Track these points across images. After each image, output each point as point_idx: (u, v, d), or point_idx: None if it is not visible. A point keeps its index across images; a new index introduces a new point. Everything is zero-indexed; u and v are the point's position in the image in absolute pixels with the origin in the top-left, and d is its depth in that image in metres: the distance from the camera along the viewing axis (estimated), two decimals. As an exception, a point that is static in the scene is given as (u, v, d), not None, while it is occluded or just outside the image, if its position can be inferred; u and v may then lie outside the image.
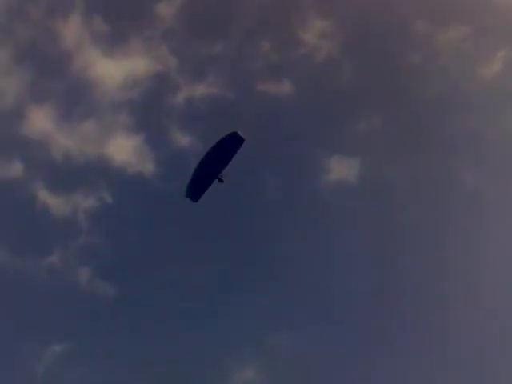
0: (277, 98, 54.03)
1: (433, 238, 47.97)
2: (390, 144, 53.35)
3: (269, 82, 54.57)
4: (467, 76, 54.28)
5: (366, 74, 56.16)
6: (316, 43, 54.98)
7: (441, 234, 47.94)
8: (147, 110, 53.55)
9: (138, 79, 52.49)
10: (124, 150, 51.03)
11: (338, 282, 48.37)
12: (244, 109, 53.38)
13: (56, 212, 48.53)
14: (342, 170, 51.41)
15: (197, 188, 28.73)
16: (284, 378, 44.28)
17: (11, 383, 42.24)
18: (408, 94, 54.93)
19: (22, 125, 49.41)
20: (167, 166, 52.40)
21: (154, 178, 51.26)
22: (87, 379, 43.89)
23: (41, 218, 48.71)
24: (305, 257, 49.63)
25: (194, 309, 47.53)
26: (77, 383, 43.80)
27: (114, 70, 52.22)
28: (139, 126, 52.64)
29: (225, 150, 27.60)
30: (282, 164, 52.95)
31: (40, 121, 49.76)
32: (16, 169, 48.38)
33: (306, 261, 49.68)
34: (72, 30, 51.61)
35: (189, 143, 52.20)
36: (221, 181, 28.70)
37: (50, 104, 50.83)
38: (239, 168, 51.78)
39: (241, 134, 27.54)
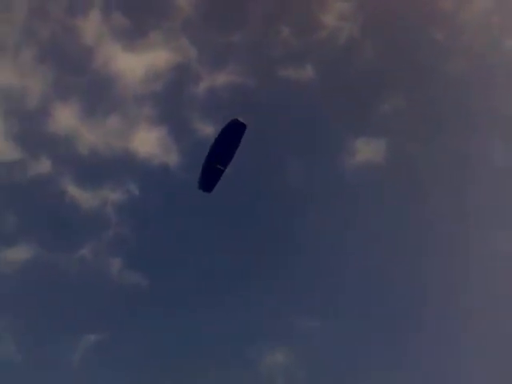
0: (299, 83, 53.59)
1: (462, 216, 47.25)
2: (415, 123, 52.51)
3: (290, 67, 54.12)
4: (492, 51, 52.95)
5: (388, 53, 55.34)
6: (336, 25, 54.21)
7: (470, 211, 47.17)
8: (169, 101, 54.01)
9: (159, 71, 52.76)
10: (148, 142, 51.62)
11: (366, 266, 48.19)
12: (266, 96, 53.32)
13: (85, 206, 49.43)
14: (367, 151, 51.00)
15: (208, 179, 28.74)
16: (314, 362, 44.52)
17: (49, 372, 43.67)
18: (432, 72, 53.77)
19: (48, 122, 50.32)
20: (191, 156, 52.50)
21: (178, 169, 51.62)
22: (121, 368, 44.93)
23: (70, 213, 49.69)
24: (332, 241, 49.54)
25: (223, 296, 47.95)
26: (111, 372, 44.82)
27: (134, 64, 52.65)
28: (162, 117, 53.13)
29: (228, 138, 27.49)
30: (306, 149, 52.69)
31: (65, 117, 50.60)
32: (44, 165, 49.35)
33: (334, 245, 49.63)
34: (92, 26, 52.15)
35: (212, 132, 51.86)
36: (219, 169, 28.29)
37: (74, 100, 51.62)
38: (262, 154, 52.26)
39: (241, 119, 27.36)
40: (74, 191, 49.46)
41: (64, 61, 52.34)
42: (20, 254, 46.43)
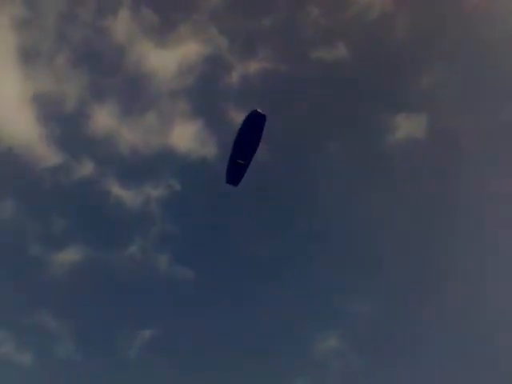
0: (332, 62, 52.83)
1: (506, 188, 45.61)
2: (456, 95, 51.07)
3: (322, 48, 53.34)
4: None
5: (423, 25, 53.65)
6: (367, 0, 53.07)
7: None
8: (203, 94, 53.95)
9: (191, 65, 52.73)
10: (185, 136, 51.77)
11: (414, 244, 47.34)
12: (300, 79, 52.71)
13: (129, 204, 50.08)
14: (408, 126, 49.89)
15: (233, 173, 28.46)
16: (367, 344, 44.17)
17: (109, 369, 44.62)
18: (470, 41, 51.90)
19: (87, 124, 51.04)
20: (229, 147, 52.39)
21: (217, 161, 51.59)
22: (177, 361, 45.59)
23: (116, 212, 50.47)
24: (379, 221, 48.71)
25: (272, 283, 47.95)
26: (168, 365, 45.57)
27: (167, 60, 52.82)
28: (197, 111, 53.16)
29: (250, 131, 27.09)
30: (345, 128, 52.01)
31: (104, 118, 51.23)
32: (87, 167, 50.10)
33: (378, 223, 48.84)
34: (122, 25, 52.49)
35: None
36: (240, 164, 28.04)
37: (111, 101, 52.19)
38: (301, 136, 51.78)
39: (260, 110, 26.83)
40: (118, 190, 50.19)
41: (98, 62, 53.14)
42: (70, 255, 47.53)
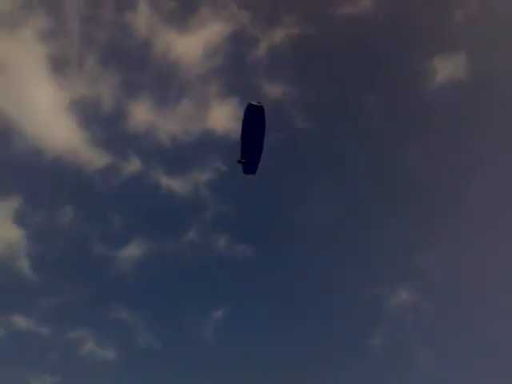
0: (359, 16, 51.70)
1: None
2: (494, 28, 48.56)
3: (346, 4, 52.40)
4: None
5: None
6: None
7: None
8: (233, 72, 53.78)
9: (217, 45, 52.56)
10: (223, 117, 51.97)
11: (470, 191, 46.29)
12: (329, 39, 51.71)
13: (180, 192, 50.96)
14: (447, 68, 48.36)
15: (248, 164, 28.24)
16: (436, 296, 43.85)
17: (189, 353, 46.18)
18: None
19: (126, 122, 51.81)
20: (267, 121, 52.42)
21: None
22: (250, 337, 46.76)
23: (168, 202, 51.51)
24: (433, 170, 47.91)
25: (334, 249, 48.21)
26: (243, 342, 46.83)
27: (192, 45, 52.71)
28: (230, 90, 52.98)
29: (251, 124, 26.93)
30: (381, 80, 50.94)
31: (141, 113, 51.85)
32: (134, 164, 51.15)
33: (435, 174, 48.01)
34: (143, 19, 52.55)
35: (282, 92, 51.98)
36: (241, 162, 28.05)
37: (145, 95, 52.79)
38: (340, 96, 51.06)
39: (255, 102, 26.54)
40: (167, 181, 51.09)
41: (125, 59, 53.51)
42: (133, 251, 49.00)
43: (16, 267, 45.98)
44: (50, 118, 50.04)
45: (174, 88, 53.35)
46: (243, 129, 26.99)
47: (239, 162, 27.73)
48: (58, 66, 50.12)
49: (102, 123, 51.58)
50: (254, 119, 26.55)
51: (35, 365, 43.31)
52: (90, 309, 46.70)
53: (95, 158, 50.22)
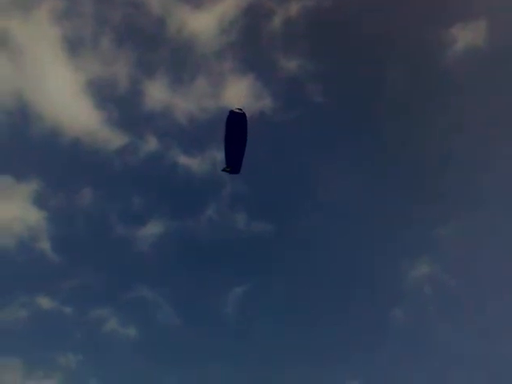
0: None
1: None
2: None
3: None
4: None
5: None
6: None
7: None
8: (249, 47, 53.12)
9: (232, 20, 51.80)
10: (239, 93, 51.54)
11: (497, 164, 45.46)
12: (345, 11, 50.71)
13: (197, 171, 50.87)
14: (466, 36, 47.14)
15: (234, 164, 28.47)
16: (455, 269, 43.40)
17: (209, 327, 46.64)
18: None
19: (143, 101, 51.75)
20: (284, 96, 52.13)
21: (275, 112, 51.37)
22: (270, 312, 46.78)
23: (186, 181, 51.50)
24: (455, 142, 47.13)
25: (353, 224, 47.92)
26: (260, 319, 47.07)
27: (206, 21, 51.99)
28: (246, 65, 52.47)
29: (233, 131, 27.13)
30: (401, 52, 49.88)
31: (157, 92, 51.64)
32: (151, 143, 51.18)
33: (457, 147, 47.23)
34: (156, -4, 52.17)
35: (298, 66, 51.27)
36: (226, 171, 28.57)
37: (161, 74, 52.40)
38: (359, 64, 50.14)
39: (236, 109, 26.78)
40: (184, 160, 51.02)
41: (140, 38, 53.13)
42: (152, 229, 49.27)
43: (38, 249, 46.70)
44: (66, 99, 50.17)
45: (189, 65, 53.07)
46: (226, 135, 27.18)
47: (224, 170, 28.30)
48: (73, 47, 50.14)
49: (119, 103, 51.64)
50: (236, 125, 26.78)
51: (60, 344, 44.16)
52: (111, 288, 47.27)
53: (112, 139, 50.37)
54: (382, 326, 43.61)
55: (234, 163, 28.10)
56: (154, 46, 52.89)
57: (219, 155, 51.23)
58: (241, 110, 26.69)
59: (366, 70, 49.76)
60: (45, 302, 44.51)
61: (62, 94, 49.99)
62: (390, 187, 48.27)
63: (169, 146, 51.52)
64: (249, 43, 52.71)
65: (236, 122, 26.72)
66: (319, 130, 51.74)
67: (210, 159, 50.97)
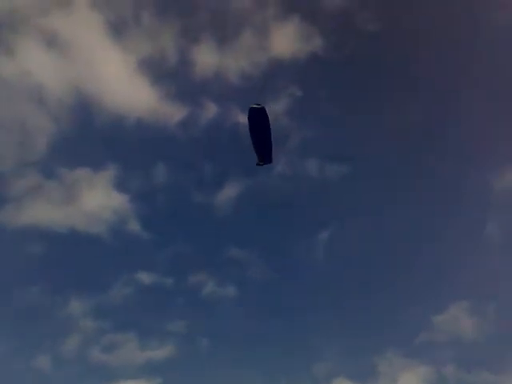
0: None
1: None
2: None
3: None
4: None
5: None
6: None
7: None
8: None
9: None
10: (286, 40, 50.30)
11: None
12: None
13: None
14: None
15: (264, 156, 28.94)
16: None
17: (301, 276, 47.63)
18: None
19: (193, 70, 52.08)
20: (336, 35, 50.47)
21: (328, 52, 50.34)
22: (358, 253, 47.13)
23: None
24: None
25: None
26: (351, 259, 47.50)
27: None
28: (289, 8, 51.15)
29: (257, 124, 27.36)
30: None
31: (206, 57, 51.74)
32: (210, 109, 52.04)
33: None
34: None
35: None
36: (259, 164, 29.14)
37: (206, 37, 52.29)
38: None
39: (254, 105, 26.94)
40: (245, 118, 51.01)
41: (179, 5, 52.68)
42: (229, 192, 50.91)
43: (129, 230, 49.14)
44: (122, 83, 51.21)
45: (232, 22, 52.20)
46: (251, 131, 27.60)
47: (258, 164, 28.98)
48: (117, 29, 50.72)
49: (171, 76, 52.36)
50: (258, 120, 27.02)
51: (167, 313, 46.97)
52: (203, 253, 49.23)
53: (173, 112, 51.25)
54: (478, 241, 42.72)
55: (264, 155, 28.64)
56: (194, 10, 52.50)
57: (278, 106, 51.03)
58: (259, 104, 27.01)
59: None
60: (145, 277, 47.33)
61: (117, 78, 51.14)
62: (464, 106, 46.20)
63: (228, 108, 51.80)
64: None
65: (257, 118, 27.02)
66: (376, 62, 50.00)
67: (270, 112, 50.58)
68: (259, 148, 28.32)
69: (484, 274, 42.81)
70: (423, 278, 44.92)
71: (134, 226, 48.72)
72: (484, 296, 42.77)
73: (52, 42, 48.34)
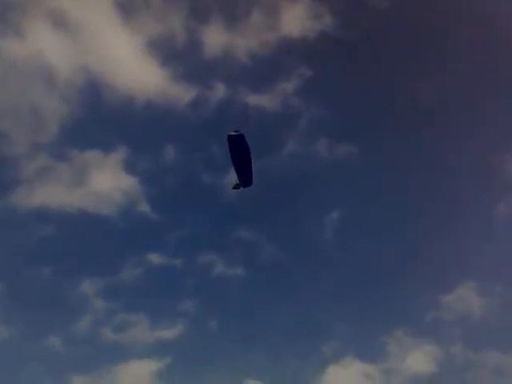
0: None
1: None
2: None
3: None
4: None
5: None
6: None
7: None
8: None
9: None
10: (296, 18, 49.97)
11: None
12: None
13: (270, 107, 51.36)
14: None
15: (244, 178, 29.82)
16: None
17: (313, 255, 47.85)
18: None
19: (202, 50, 52.00)
20: (347, 12, 49.80)
21: (337, 31, 49.74)
22: (367, 234, 47.06)
23: (261, 120, 51.88)
24: None
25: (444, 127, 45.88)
26: (360, 240, 47.49)
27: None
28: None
29: (236, 149, 28.03)
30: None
31: (214, 36, 51.34)
32: (220, 90, 52.33)
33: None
34: None
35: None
36: (236, 187, 30.11)
37: (214, 17, 52.05)
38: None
39: (233, 133, 27.48)
40: (255, 99, 51.29)
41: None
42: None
43: (138, 211, 49.77)
44: (131, 64, 51.12)
45: (240, 0, 51.85)
46: (231, 156, 28.28)
47: (234, 187, 30.07)
48: (126, 10, 50.57)
49: (180, 56, 52.24)
50: (237, 146, 27.68)
51: (176, 293, 47.72)
52: (211, 234, 49.68)
53: (182, 93, 51.24)
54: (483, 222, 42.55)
55: (244, 179, 29.57)
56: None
57: (289, 86, 50.76)
58: (237, 131, 27.46)
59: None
60: (155, 258, 48.11)
61: (126, 59, 51.09)
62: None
63: (236, 89, 51.71)
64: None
65: (236, 144, 27.61)
66: (387, 41, 49.32)
67: (280, 93, 50.59)
68: (239, 171, 29.16)
69: (492, 255, 42.69)
70: (432, 258, 44.90)
71: (144, 208, 49.26)
72: (492, 276, 42.76)
73: (61, 23, 48.52)
